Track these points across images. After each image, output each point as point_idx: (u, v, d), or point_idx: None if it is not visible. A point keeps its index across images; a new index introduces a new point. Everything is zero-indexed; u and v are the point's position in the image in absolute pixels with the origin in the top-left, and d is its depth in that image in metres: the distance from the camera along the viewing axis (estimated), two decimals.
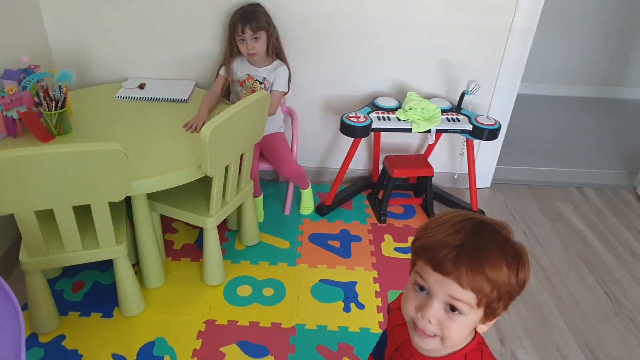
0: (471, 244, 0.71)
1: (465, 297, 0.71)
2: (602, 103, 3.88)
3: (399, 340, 0.89)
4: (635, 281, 2.11)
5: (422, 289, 0.75)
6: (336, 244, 2.26)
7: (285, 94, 2.26)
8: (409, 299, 0.77)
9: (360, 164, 2.69)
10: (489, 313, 0.75)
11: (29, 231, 1.52)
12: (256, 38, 2.10)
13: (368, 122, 2.20)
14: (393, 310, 0.94)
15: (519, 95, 3.85)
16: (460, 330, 0.75)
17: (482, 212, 2.47)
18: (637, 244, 2.33)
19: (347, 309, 1.91)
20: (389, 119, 2.25)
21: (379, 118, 2.25)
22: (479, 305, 0.72)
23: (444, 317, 0.73)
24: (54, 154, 1.39)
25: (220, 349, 1.72)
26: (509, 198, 2.64)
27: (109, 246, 1.66)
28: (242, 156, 1.89)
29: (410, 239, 2.26)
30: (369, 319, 1.87)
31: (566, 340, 1.81)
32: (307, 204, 2.43)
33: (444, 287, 0.71)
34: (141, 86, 2.26)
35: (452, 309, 0.73)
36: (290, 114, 2.43)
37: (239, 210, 2.14)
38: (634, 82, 3.93)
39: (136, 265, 1.94)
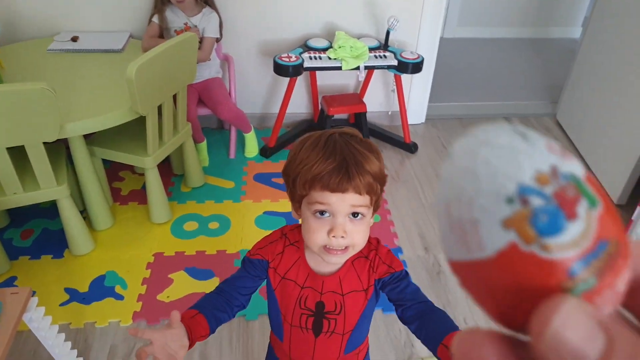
0: (349, 156, 0.77)
1: (364, 201, 0.78)
2: (533, 43, 4.08)
3: (282, 270, 0.91)
4: None
5: (322, 213, 0.79)
6: (280, 180, 2.38)
7: (217, 40, 2.32)
8: (314, 229, 0.80)
9: (301, 107, 2.80)
10: (376, 207, 0.84)
11: None
12: None
13: (300, 61, 2.30)
14: (265, 248, 0.93)
15: (457, 39, 4.03)
16: (365, 231, 0.82)
17: (415, 144, 2.64)
18: None
19: None
20: (320, 58, 2.35)
21: (310, 58, 2.35)
22: (371, 202, 0.81)
23: (350, 227, 0.79)
24: None
25: (169, 275, 1.85)
26: (441, 131, 2.82)
27: (50, 187, 1.73)
28: (176, 97, 1.97)
29: None
30: None
31: None
32: (251, 147, 2.53)
33: (346, 202, 0.77)
34: (74, 39, 2.28)
35: (354, 215, 0.79)
36: (226, 59, 2.51)
37: (182, 154, 2.23)
38: (560, 22, 4.14)
39: (84, 212, 2.02)
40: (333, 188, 0.76)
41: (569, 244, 0.18)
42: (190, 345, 0.81)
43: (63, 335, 1.40)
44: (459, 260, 0.21)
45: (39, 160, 1.64)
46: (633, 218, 1.96)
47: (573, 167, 0.20)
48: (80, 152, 1.85)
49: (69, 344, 1.43)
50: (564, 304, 0.18)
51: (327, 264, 0.88)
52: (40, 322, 1.32)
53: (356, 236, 0.80)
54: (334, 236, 0.78)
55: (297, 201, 0.84)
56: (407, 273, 0.91)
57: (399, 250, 1.98)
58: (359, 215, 0.80)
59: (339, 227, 0.78)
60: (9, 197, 1.69)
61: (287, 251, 0.91)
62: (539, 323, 0.18)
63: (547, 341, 0.18)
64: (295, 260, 0.91)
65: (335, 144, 0.79)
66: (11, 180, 1.65)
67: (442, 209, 0.21)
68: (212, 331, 0.87)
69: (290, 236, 0.92)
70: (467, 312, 1.72)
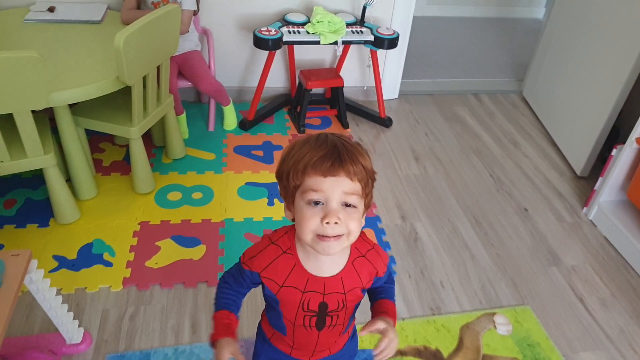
0: (340, 146, 0.80)
1: (356, 188, 0.80)
2: (499, 22, 4.23)
3: (281, 279, 0.90)
4: (515, 165, 2.49)
5: (316, 203, 0.80)
6: (260, 153, 2.45)
7: (195, 13, 2.34)
8: (308, 218, 0.80)
9: (279, 82, 2.85)
10: (367, 204, 0.85)
11: None
12: None
13: (279, 35, 2.34)
14: (254, 259, 0.92)
15: (426, 17, 4.13)
16: (358, 222, 0.82)
17: (389, 119, 2.74)
18: (519, 137, 2.72)
19: (270, 203, 2.14)
20: (299, 33, 2.41)
21: (289, 32, 2.40)
22: (362, 195, 0.82)
23: (343, 215, 0.79)
24: None
25: (156, 243, 1.90)
26: (414, 106, 2.93)
27: (37, 156, 1.75)
28: (159, 69, 2.00)
29: None
30: None
31: (456, 213, 2.15)
32: (230, 119, 2.58)
33: (339, 186, 0.78)
34: (51, 9, 2.25)
35: (347, 205, 0.80)
36: (205, 33, 2.52)
37: (163, 126, 2.26)
38: (524, 2, 4.30)
39: (68, 181, 2.03)
40: (325, 172, 0.78)
41: None
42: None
43: (60, 297, 1.45)
44: None
45: (27, 128, 1.65)
46: (595, 188, 2.13)
47: None
48: (65, 122, 1.86)
49: (66, 306, 1.48)
50: None
51: (326, 266, 0.89)
52: (40, 283, 1.36)
53: (351, 223, 0.81)
54: (327, 222, 0.78)
55: (290, 195, 0.84)
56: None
57: (377, 219, 2.09)
58: (352, 206, 0.80)
59: (333, 213, 0.79)
60: None
61: (280, 260, 0.90)
62: None
63: None
64: (291, 267, 0.90)
65: (327, 137, 0.82)
66: None
67: None
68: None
69: (281, 243, 0.91)
70: (443, 275, 1.85)
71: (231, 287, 0.99)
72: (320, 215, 0.79)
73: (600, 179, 2.08)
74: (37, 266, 1.32)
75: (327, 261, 0.89)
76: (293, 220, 0.86)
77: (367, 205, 0.86)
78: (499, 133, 2.73)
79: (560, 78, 2.66)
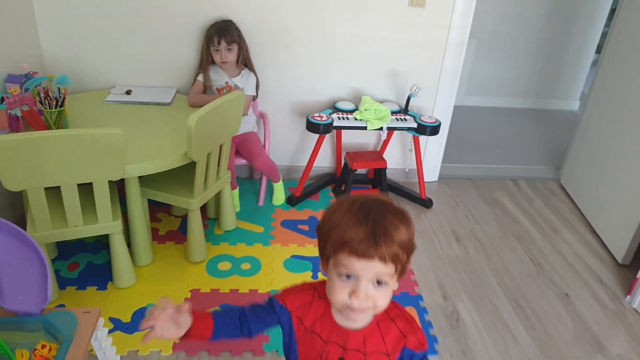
0: (378, 223, 0.81)
1: (388, 270, 0.83)
2: (537, 113, 4.39)
3: (309, 322, 0.96)
4: (555, 250, 2.50)
5: (347, 276, 0.83)
6: (305, 227, 2.56)
7: (254, 98, 2.59)
8: (337, 288, 0.85)
9: (326, 162, 3.03)
10: (402, 273, 0.87)
11: (38, 205, 1.75)
12: (229, 49, 2.44)
13: (329, 120, 2.54)
14: (291, 296, 0.99)
15: (465, 106, 4.35)
16: (387, 297, 0.87)
17: (430, 200, 2.84)
18: (558, 223, 2.75)
19: (314, 277, 2.21)
20: (348, 119, 2.60)
21: (339, 118, 2.60)
22: (396, 270, 0.84)
23: (373, 292, 0.83)
24: (65, 136, 1.66)
25: (206, 310, 1.98)
26: (453, 189, 3.03)
27: (106, 222, 1.91)
28: (221, 147, 2.19)
29: None
30: None
31: (497, 295, 2.16)
32: (279, 195, 2.73)
33: (370, 269, 0.81)
34: (128, 92, 2.54)
35: (378, 282, 0.84)
36: (262, 116, 2.76)
37: (218, 199, 2.42)
38: (561, 95, 4.48)
39: (128, 247, 2.17)
40: (359, 254, 0.80)
41: None
42: (185, 337, 0.94)
43: (119, 357, 1.54)
44: None
45: (102, 196, 1.83)
46: (638, 276, 2.12)
47: None
48: (133, 192, 2.05)
49: None
50: None
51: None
52: (104, 341, 1.46)
53: (379, 300, 0.85)
54: (356, 298, 0.83)
55: (325, 257, 0.88)
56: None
57: (419, 298, 2.12)
58: (383, 283, 0.84)
59: (362, 292, 0.82)
60: (70, 229, 1.86)
61: (315, 303, 0.95)
62: None
63: None
64: (322, 312, 0.95)
65: (369, 211, 0.83)
66: (75, 213, 1.83)
67: None
68: (214, 338, 0.98)
69: (319, 289, 0.96)
70: (485, 357, 1.84)
71: (241, 313, 1.01)
72: (349, 289, 0.83)
73: None
74: (102, 325, 1.43)
75: None
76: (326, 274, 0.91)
77: (402, 274, 0.88)
78: (538, 219, 2.77)
79: (598, 167, 2.73)
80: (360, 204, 0.85)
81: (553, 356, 1.87)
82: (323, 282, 0.95)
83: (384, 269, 0.82)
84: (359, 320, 0.91)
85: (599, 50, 4.23)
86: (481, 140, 3.73)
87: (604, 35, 4.09)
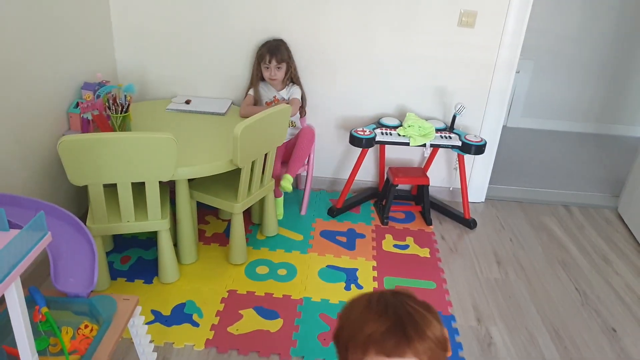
0: (406, 315, 0.72)
1: None
2: (597, 138, 4.20)
3: None
4: (604, 280, 2.39)
5: None
6: (343, 239, 2.61)
7: (302, 109, 2.69)
8: None
9: (369, 176, 3.07)
10: None
11: (97, 200, 1.93)
12: (279, 67, 2.57)
13: (372, 135, 2.59)
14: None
15: (521, 128, 4.24)
16: None
17: (474, 221, 2.80)
18: (611, 253, 2.61)
19: (347, 288, 2.25)
20: (391, 134, 2.64)
21: (382, 133, 2.64)
22: None
23: None
24: (122, 138, 1.82)
25: (239, 311, 2.07)
26: (500, 211, 2.96)
27: (155, 220, 2.06)
28: (266, 156, 2.30)
29: (409, 239, 2.62)
30: None
31: (535, 323, 2.10)
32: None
33: None
34: (187, 102, 2.72)
35: None
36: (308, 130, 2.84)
37: (262, 206, 2.53)
38: (625, 120, 4.26)
39: (175, 246, 2.32)
40: (389, 351, 0.69)
41: None
42: None
43: (153, 345, 1.65)
44: None
45: (152, 195, 1.98)
46: None
47: None
48: (183, 193, 2.19)
49: (155, 354, 1.67)
50: None
51: None
52: (140, 328, 1.57)
53: None
54: None
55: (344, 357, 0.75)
56: None
57: (451, 318, 2.10)
58: None
59: None
60: (123, 223, 2.02)
61: None
62: None
63: None
64: None
65: (388, 302, 0.74)
66: (128, 210, 1.99)
67: None
68: None
69: None
70: None
71: None
72: None
73: None
74: (139, 312, 1.54)
75: None
76: None
77: None
78: (589, 247, 2.65)
79: None
80: (377, 298, 0.76)
81: None
82: None
83: None
84: None
85: None
86: (534, 163, 3.62)
87: None
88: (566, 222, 2.89)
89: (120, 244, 2.41)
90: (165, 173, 1.94)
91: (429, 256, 2.51)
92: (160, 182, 1.98)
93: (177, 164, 1.97)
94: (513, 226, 2.82)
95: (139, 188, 1.98)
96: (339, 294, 2.20)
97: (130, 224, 2.04)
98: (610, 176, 3.46)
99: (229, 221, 2.55)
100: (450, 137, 2.66)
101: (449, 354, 0.76)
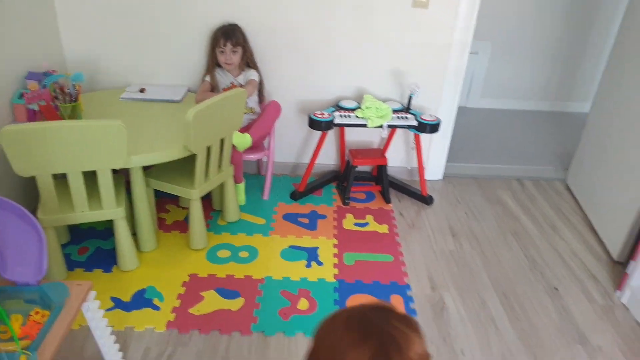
0: (389, 339, 0.67)
1: None
2: (551, 115, 4.34)
3: None
4: (551, 247, 2.50)
5: None
6: (305, 220, 2.65)
7: (258, 86, 2.69)
8: None
9: (331, 160, 3.11)
10: None
11: (47, 191, 1.91)
12: (234, 51, 2.58)
13: (331, 118, 2.63)
14: None
15: (481, 109, 4.34)
16: None
17: (431, 197, 2.88)
18: (559, 221, 2.74)
19: (308, 265, 2.30)
20: (349, 117, 2.68)
21: (341, 116, 2.68)
22: None
23: None
24: (70, 126, 1.82)
25: (201, 293, 2.10)
26: (457, 187, 3.05)
27: (110, 208, 2.06)
28: (223, 141, 2.31)
29: (369, 217, 2.68)
30: (326, 272, 2.25)
31: (486, 288, 2.19)
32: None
33: None
34: (142, 90, 2.70)
35: None
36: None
37: (222, 192, 2.54)
38: (578, 97, 4.41)
39: (134, 235, 2.32)
40: None
41: None
42: None
43: (110, 328, 1.66)
44: None
45: (105, 184, 1.98)
46: (627, 271, 2.11)
47: None
48: (138, 181, 2.19)
49: (114, 337, 1.68)
50: None
51: None
52: (95, 312, 1.59)
53: None
54: None
55: None
56: None
57: (407, 288, 2.18)
58: None
59: None
60: (77, 213, 2.01)
61: None
62: None
63: None
64: None
65: (371, 324, 0.68)
66: (81, 199, 1.99)
67: None
68: None
69: None
70: (465, 344, 1.88)
71: None
72: None
73: (631, 262, 2.06)
74: (94, 297, 1.55)
75: None
76: None
77: None
78: (539, 217, 2.77)
79: (601, 166, 2.70)
80: (358, 319, 0.70)
81: (533, 346, 1.89)
82: None
83: None
84: None
85: None
86: (491, 141, 3.73)
87: None
88: (519, 195, 3.00)
89: (77, 235, 2.40)
90: (116, 161, 1.94)
91: (387, 232, 2.58)
92: (115, 170, 1.98)
93: (130, 152, 1.97)
94: (469, 201, 2.91)
95: (92, 177, 1.97)
96: (299, 272, 2.25)
97: (84, 214, 2.03)
98: (561, 151, 3.60)
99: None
100: (406, 118, 2.72)
101: None
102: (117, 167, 1.96)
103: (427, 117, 2.70)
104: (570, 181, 3.10)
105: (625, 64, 2.60)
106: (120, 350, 1.75)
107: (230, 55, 2.58)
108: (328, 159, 3.10)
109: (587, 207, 2.81)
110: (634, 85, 2.49)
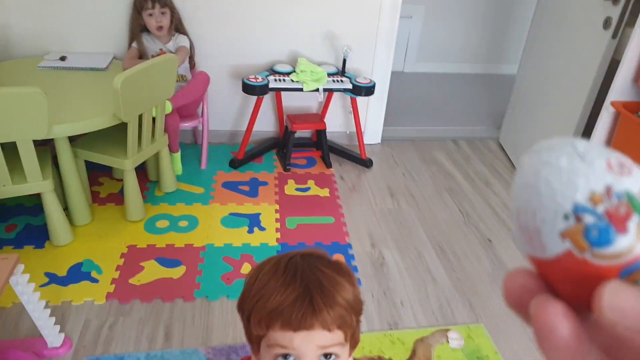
0: (314, 282, 0.66)
1: (335, 339, 0.66)
2: (484, 77, 4.52)
3: None
4: (484, 202, 2.64)
5: (285, 357, 0.66)
6: (246, 188, 2.64)
7: (191, 59, 2.62)
8: None
9: (269, 126, 3.09)
10: (353, 344, 0.72)
11: None
12: (163, 13, 2.47)
13: (265, 82, 2.60)
14: None
15: (416, 73, 4.43)
16: None
17: (370, 160, 2.94)
18: (491, 177, 2.88)
19: (250, 231, 2.30)
20: (284, 81, 2.66)
21: (275, 80, 2.66)
22: (346, 339, 0.69)
23: None
24: None
25: (140, 263, 2.05)
26: (394, 150, 3.13)
27: (36, 181, 1.95)
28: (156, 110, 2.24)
29: (310, 182, 2.70)
30: (268, 237, 2.26)
31: (423, 242, 2.29)
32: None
33: (313, 341, 0.65)
34: (62, 58, 2.55)
35: (326, 357, 0.67)
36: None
37: (157, 163, 2.47)
38: (509, 59, 4.61)
39: (66, 210, 2.22)
40: (295, 326, 0.64)
41: (617, 254, 0.21)
42: None
43: (44, 302, 1.60)
44: (527, 254, 0.25)
45: (28, 155, 1.87)
46: None
47: (630, 184, 0.21)
48: (64, 153, 2.08)
49: (49, 310, 1.63)
50: (614, 283, 0.21)
51: None
52: (25, 286, 1.52)
53: None
54: None
55: (254, 342, 0.70)
56: None
57: (348, 247, 2.23)
58: (333, 357, 0.67)
59: None
60: None
61: None
62: (597, 299, 0.21)
63: (607, 310, 0.20)
64: None
65: (297, 269, 0.68)
66: (2, 174, 1.87)
67: (514, 214, 0.25)
68: None
69: None
70: (404, 296, 1.96)
71: None
72: None
73: None
74: (22, 271, 1.49)
75: None
76: None
77: (354, 343, 0.72)
78: (473, 174, 2.90)
79: (530, 124, 2.86)
80: (285, 263, 0.69)
81: (466, 292, 2.01)
82: None
83: (329, 339, 0.65)
84: None
85: None
86: (426, 104, 3.84)
87: None
88: (454, 154, 3.12)
89: (3, 212, 2.27)
90: (37, 131, 1.83)
91: (328, 195, 2.62)
92: (42, 142, 1.87)
93: (52, 122, 1.87)
94: (406, 162, 3.00)
95: (12, 150, 1.86)
96: (242, 238, 2.25)
97: (7, 188, 1.92)
98: (494, 111, 3.76)
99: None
100: (342, 81, 2.74)
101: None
102: (38, 138, 1.85)
103: (362, 80, 2.73)
104: (502, 139, 3.25)
105: (545, 24, 2.73)
106: (57, 323, 1.70)
107: (159, 17, 2.46)
108: (267, 125, 3.08)
109: (518, 163, 2.97)
110: (554, 44, 2.63)
